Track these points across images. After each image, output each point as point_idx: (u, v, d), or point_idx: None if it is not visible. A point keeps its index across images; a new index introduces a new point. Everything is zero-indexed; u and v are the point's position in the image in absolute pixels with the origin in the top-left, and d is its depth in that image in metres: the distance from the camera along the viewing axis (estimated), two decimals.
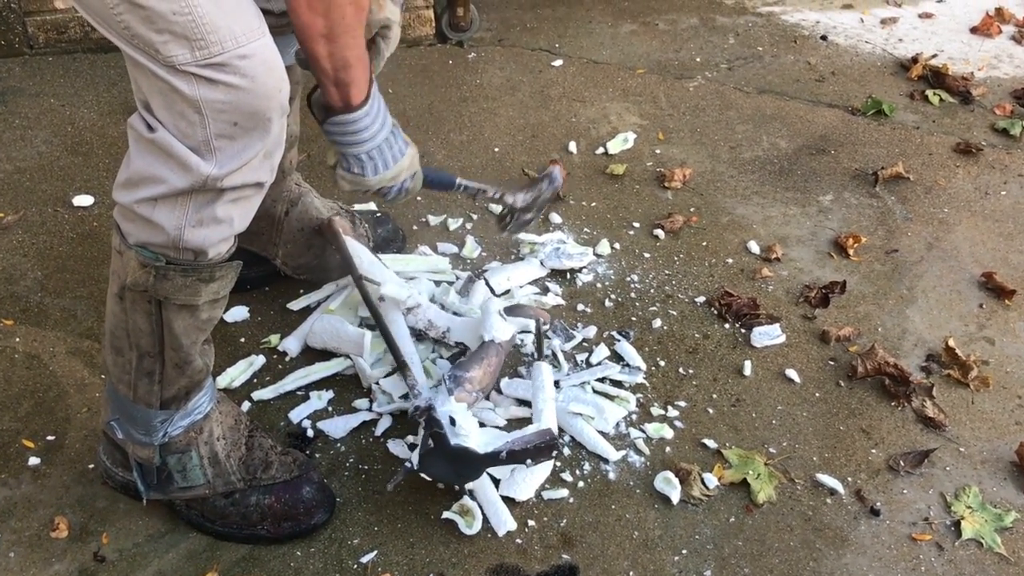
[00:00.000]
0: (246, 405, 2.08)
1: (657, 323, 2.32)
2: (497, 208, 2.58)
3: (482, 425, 2.01)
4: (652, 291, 2.41)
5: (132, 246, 1.58)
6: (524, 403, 2.08)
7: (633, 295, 2.40)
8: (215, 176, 1.48)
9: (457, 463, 1.81)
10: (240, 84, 1.42)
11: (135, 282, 1.59)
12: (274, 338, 2.23)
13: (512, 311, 2.16)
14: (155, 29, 1.37)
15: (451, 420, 1.83)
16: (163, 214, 1.52)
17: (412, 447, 1.99)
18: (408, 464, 1.82)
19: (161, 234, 1.54)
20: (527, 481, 1.92)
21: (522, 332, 2.19)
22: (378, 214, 2.51)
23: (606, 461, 2.00)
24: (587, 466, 1.99)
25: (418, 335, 2.18)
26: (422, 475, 1.83)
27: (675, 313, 2.35)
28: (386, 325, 2.03)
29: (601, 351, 2.22)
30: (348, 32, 1.56)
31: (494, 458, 1.82)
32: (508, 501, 1.89)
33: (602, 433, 2.04)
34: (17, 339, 2.22)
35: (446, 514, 1.86)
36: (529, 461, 1.85)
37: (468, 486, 1.90)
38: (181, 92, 1.41)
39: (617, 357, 2.23)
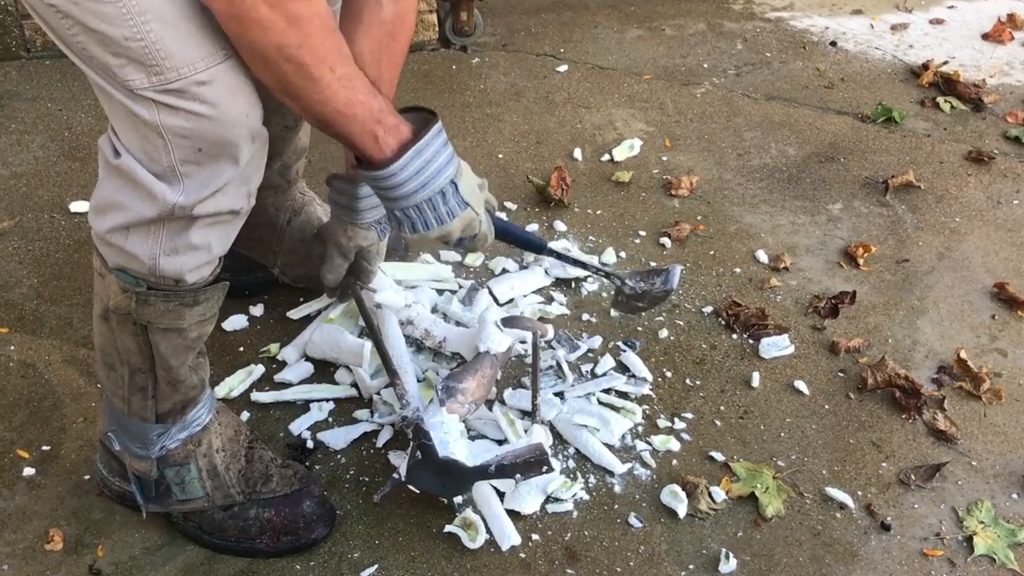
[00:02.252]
0: (245, 415, 2.08)
1: (664, 333, 2.31)
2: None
3: (483, 437, 2.01)
4: None
5: (112, 270, 1.57)
6: (528, 414, 2.07)
7: None
8: (183, 205, 1.46)
9: (445, 476, 1.81)
10: (201, 111, 1.39)
11: (117, 306, 1.59)
12: (273, 347, 2.23)
13: (510, 322, 2.15)
14: (111, 52, 1.35)
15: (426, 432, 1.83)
16: (136, 243, 1.51)
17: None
18: (396, 475, 1.81)
19: (137, 262, 1.53)
20: (532, 494, 1.91)
21: (521, 343, 2.18)
22: None
23: (611, 474, 1.99)
24: (592, 479, 1.98)
25: (416, 344, 2.17)
26: (410, 487, 1.83)
27: (682, 323, 2.35)
28: (379, 332, 2.02)
29: (607, 362, 2.21)
30: (306, 88, 1.42)
31: (483, 472, 1.82)
32: (513, 514, 1.89)
33: (607, 446, 2.03)
34: (12, 347, 2.22)
35: (449, 528, 1.85)
36: (519, 476, 1.84)
37: (460, 498, 1.91)
38: (141, 117, 1.39)
39: (623, 368, 2.22)
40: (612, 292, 2.40)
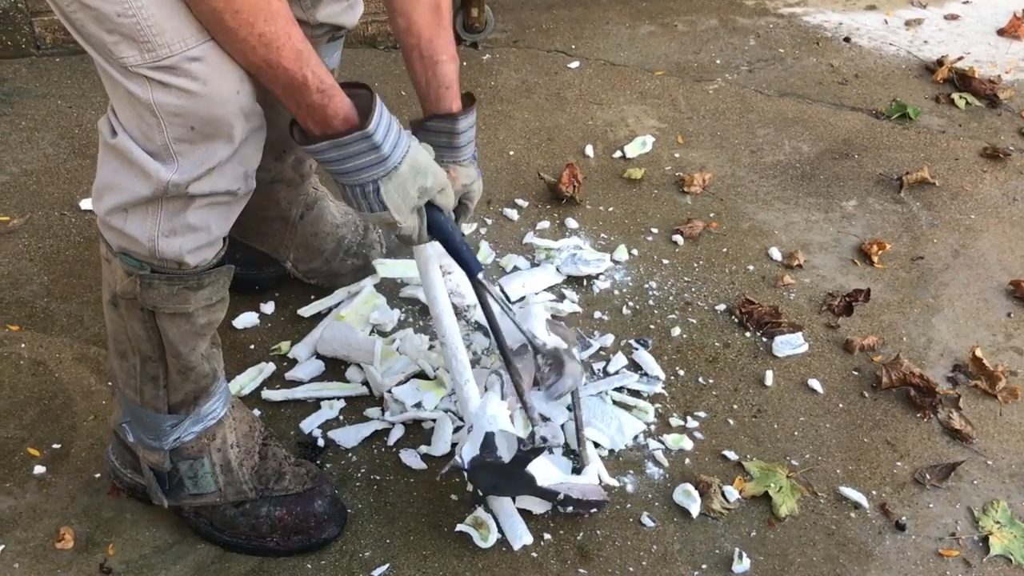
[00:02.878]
0: (256, 413, 2.08)
1: (676, 331, 2.31)
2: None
3: None
4: (671, 299, 2.40)
5: (117, 254, 1.58)
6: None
7: (651, 303, 2.39)
8: (176, 183, 1.46)
9: (508, 480, 1.79)
10: (192, 88, 1.40)
11: (124, 291, 1.60)
12: (284, 345, 2.23)
13: (553, 327, 2.08)
14: (105, 29, 1.36)
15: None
16: (135, 224, 1.52)
17: (435, 457, 1.99)
18: (459, 460, 1.75)
19: (137, 244, 1.54)
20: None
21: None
22: None
23: (624, 473, 1.99)
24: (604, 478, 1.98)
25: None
26: (465, 473, 1.79)
27: (695, 321, 2.34)
28: (499, 330, 1.87)
29: (619, 360, 2.21)
30: (222, 35, 1.40)
31: (548, 494, 1.81)
32: (524, 513, 1.89)
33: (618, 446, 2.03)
34: (23, 345, 2.23)
35: (460, 527, 1.85)
36: (571, 509, 1.86)
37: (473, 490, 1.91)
38: (136, 95, 1.40)
39: (635, 366, 2.22)
40: (623, 291, 2.40)
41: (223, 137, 1.46)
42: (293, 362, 2.20)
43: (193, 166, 1.46)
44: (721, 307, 2.39)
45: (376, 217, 1.62)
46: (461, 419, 2.04)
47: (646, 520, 1.91)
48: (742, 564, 1.82)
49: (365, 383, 2.14)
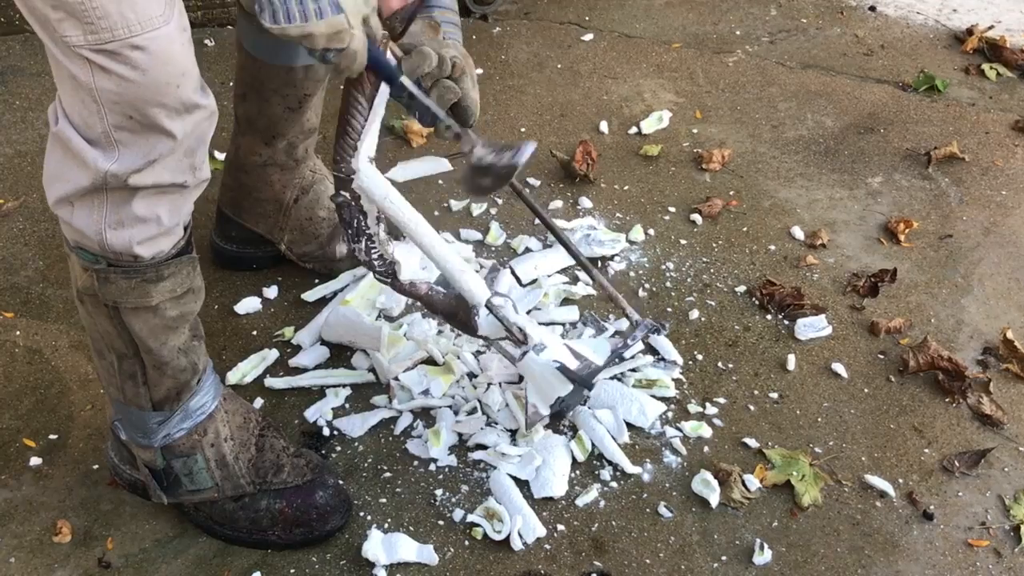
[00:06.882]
0: (259, 401, 2.08)
1: (694, 314, 2.30)
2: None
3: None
4: (689, 280, 2.39)
5: (73, 248, 1.57)
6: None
7: (669, 284, 2.38)
8: (115, 173, 1.45)
9: (572, 395, 1.89)
10: (131, 76, 1.39)
11: (84, 286, 1.59)
12: (288, 331, 2.23)
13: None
14: (51, 5, 1.35)
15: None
16: (81, 217, 1.51)
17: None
18: (536, 413, 1.88)
19: (86, 237, 1.53)
20: (557, 476, 1.92)
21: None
22: None
23: (641, 462, 1.98)
24: (620, 467, 1.97)
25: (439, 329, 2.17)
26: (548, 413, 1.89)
27: (714, 304, 2.33)
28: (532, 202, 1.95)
29: (635, 344, 2.20)
30: None
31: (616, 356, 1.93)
32: (537, 504, 1.89)
33: (639, 428, 2.03)
34: (17, 332, 2.23)
35: (471, 517, 1.85)
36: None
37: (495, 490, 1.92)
38: (77, 78, 1.39)
39: (652, 350, 2.21)
40: (639, 272, 2.39)
41: (160, 129, 1.45)
42: (297, 348, 2.19)
43: (134, 157, 1.45)
44: (741, 289, 2.37)
45: (325, 25, 1.47)
46: (475, 405, 2.05)
47: (663, 510, 1.90)
48: (763, 556, 1.82)
49: (371, 370, 2.14)
